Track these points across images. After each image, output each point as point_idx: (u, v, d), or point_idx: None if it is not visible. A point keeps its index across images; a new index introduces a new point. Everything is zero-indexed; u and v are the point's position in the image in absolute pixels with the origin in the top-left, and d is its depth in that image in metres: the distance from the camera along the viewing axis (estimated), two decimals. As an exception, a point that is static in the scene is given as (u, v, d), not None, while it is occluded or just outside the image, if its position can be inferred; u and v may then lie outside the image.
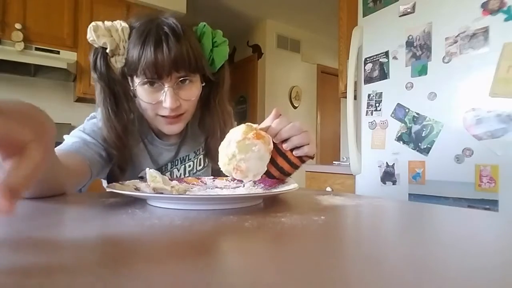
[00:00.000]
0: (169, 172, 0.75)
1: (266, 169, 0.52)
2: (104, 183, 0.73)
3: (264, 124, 0.54)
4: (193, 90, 0.63)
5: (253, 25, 3.91)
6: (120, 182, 0.56)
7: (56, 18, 2.27)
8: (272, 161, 0.59)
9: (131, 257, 0.23)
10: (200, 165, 0.79)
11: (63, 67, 2.19)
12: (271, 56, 3.81)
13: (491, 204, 1.04)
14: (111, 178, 0.69)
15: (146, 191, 0.51)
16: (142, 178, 0.66)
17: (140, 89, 0.60)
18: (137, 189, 0.52)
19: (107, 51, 0.59)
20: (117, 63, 0.60)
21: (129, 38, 0.59)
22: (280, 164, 0.59)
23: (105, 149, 0.63)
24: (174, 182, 0.55)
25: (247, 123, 0.50)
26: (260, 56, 3.86)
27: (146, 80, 0.58)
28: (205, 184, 0.64)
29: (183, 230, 0.32)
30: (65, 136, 0.63)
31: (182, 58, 0.57)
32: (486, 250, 0.28)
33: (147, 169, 0.54)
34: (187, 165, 0.76)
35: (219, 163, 0.51)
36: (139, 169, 0.71)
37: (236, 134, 0.49)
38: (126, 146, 0.64)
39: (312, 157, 0.59)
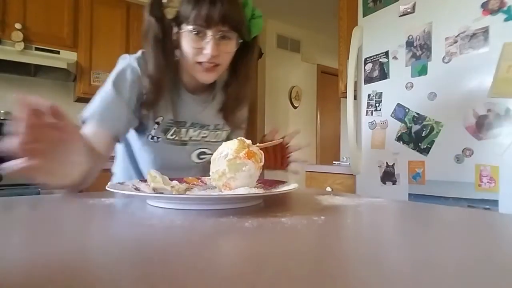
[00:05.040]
0: (185, 129, 0.81)
1: (255, 184, 0.53)
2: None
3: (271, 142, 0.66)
4: (230, 45, 0.71)
5: (253, 25, 3.90)
6: (119, 182, 0.56)
7: (56, 18, 2.26)
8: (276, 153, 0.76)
9: (131, 257, 0.23)
10: (214, 138, 0.88)
11: (63, 67, 2.19)
12: (271, 56, 3.81)
13: (491, 204, 1.04)
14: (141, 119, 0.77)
15: (146, 191, 0.51)
16: (159, 124, 0.78)
17: (187, 35, 0.68)
18: (137, 189, 0.52)
19: (163, 1, 0.68)
20: (168, 14, 0.68)
21: None
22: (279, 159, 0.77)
23: (138, 99, 0.73)
24: (174, 182, 0.55)
25: (239, 138, 0.51)
26: (260, 56, 3.85)
27: (195, 26, 0.66)
28: (205, 184, 0.64)
29: (183, 230, 0.32)
30: (97, 97, 0.71)
31: (230, 15, 0.67)
32: (486, 250, 0.28)
33: (147, 169, 0.54)
34: (202, 132, 0.84)
35: (210, 173, 0.53)
36: (157, 115, 0.77)
37: (228, 150, 0.49)
38: (165, 85, 0.73)
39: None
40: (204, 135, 0.85)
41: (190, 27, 0.66)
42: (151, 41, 0.70)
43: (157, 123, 0.77)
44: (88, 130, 0.67)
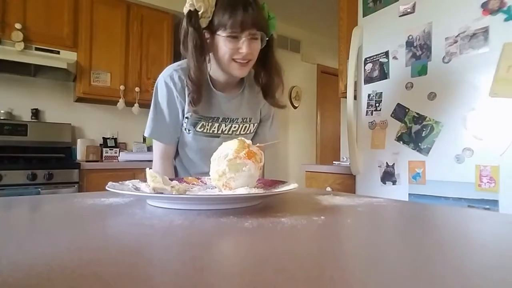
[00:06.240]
0: (218, 124, 0.96)
1: (255, 184, 0.53)
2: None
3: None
4: (258, 44, 0.85)
5: (253, 25, 3.89)
6: (120, 182, 0.56)
7: (56, 18, 2.26)
8: None
9: (131, 257, 0.23)
10: (243, 130, 1.02)
11: (63, 67, 2.19)
12: (271, 56, 3.80)
13: (491, 204, 1.04)
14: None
15: (146, 191, 0.51)
16: (188, 119, 0.92)
17: (223, 39, 0.81)
18: (137, 189, 0.52)
19: (199, 13, 0.81)
20: (203, 24, 0.82)
21: (215, 6, 0.81)
22: None
23: (184, 101, 0.90)
24: (174, 182, 0.55)
25: (240, 138, 0.52)
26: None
27: (232, 30, 0.79)
28: (205, 184, 0.64)
29: (183, 230, 0.32)
30: (148, 124, 0.94)
31: (259, 20, 0.82)
32: (485, 250, 0.28)
33: (147, 169, 0.54)
34: (233, 125, 0.98)
35: (210, 173, 0.53)
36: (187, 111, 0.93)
37: (228, 151, 0.49)
38: (203, 83, 0.87)
39: None
40: (235, 129, 0.99)
41: (228, 32, 0.80)
42: (191, 48, 0.83)
43: (187, 117, 0.93)
44: (157, 147, 0.97)
